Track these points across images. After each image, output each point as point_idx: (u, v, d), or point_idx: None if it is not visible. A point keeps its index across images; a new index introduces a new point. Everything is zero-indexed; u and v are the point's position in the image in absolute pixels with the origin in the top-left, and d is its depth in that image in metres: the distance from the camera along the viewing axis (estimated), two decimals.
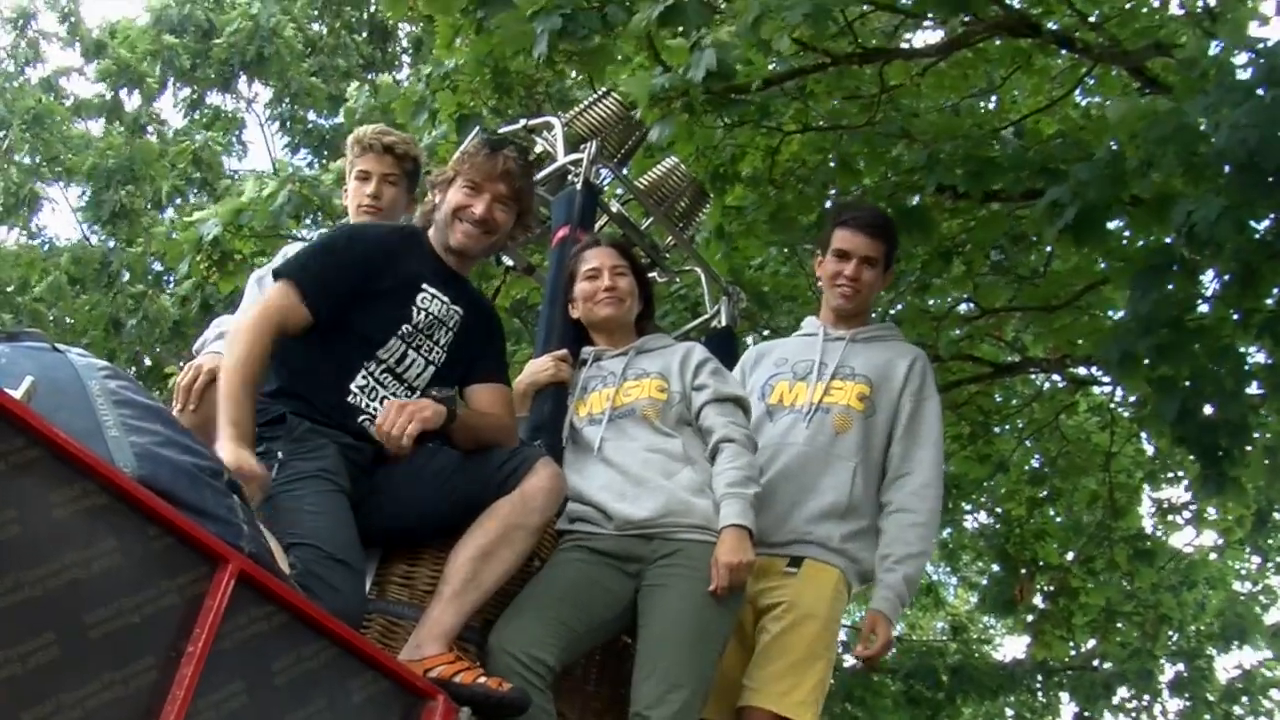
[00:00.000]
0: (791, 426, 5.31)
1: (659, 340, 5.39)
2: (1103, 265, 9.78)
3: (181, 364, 5.37)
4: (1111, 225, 7.80)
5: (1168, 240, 7.47)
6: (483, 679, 4.04)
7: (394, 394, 4.59)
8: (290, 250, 5.51)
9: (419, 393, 4.61)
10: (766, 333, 11.91)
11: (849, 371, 5.37)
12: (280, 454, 4.25)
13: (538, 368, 5.25)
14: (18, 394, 2.72)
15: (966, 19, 8.55)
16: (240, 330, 4.41)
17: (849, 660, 14.41)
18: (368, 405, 4.54)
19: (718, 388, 5.09)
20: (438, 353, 4.70)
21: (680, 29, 7.77)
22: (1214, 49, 7.48)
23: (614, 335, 5.33)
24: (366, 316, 4.59)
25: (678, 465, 4.90)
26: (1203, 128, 6.52)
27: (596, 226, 6.17)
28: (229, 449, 3.97)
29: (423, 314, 4.67)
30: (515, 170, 4.86)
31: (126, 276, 18.63)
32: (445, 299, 4.74)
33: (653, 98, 7.84)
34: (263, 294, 5.14)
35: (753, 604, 5.00)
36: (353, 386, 4.54)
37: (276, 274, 4.66)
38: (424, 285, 4.70)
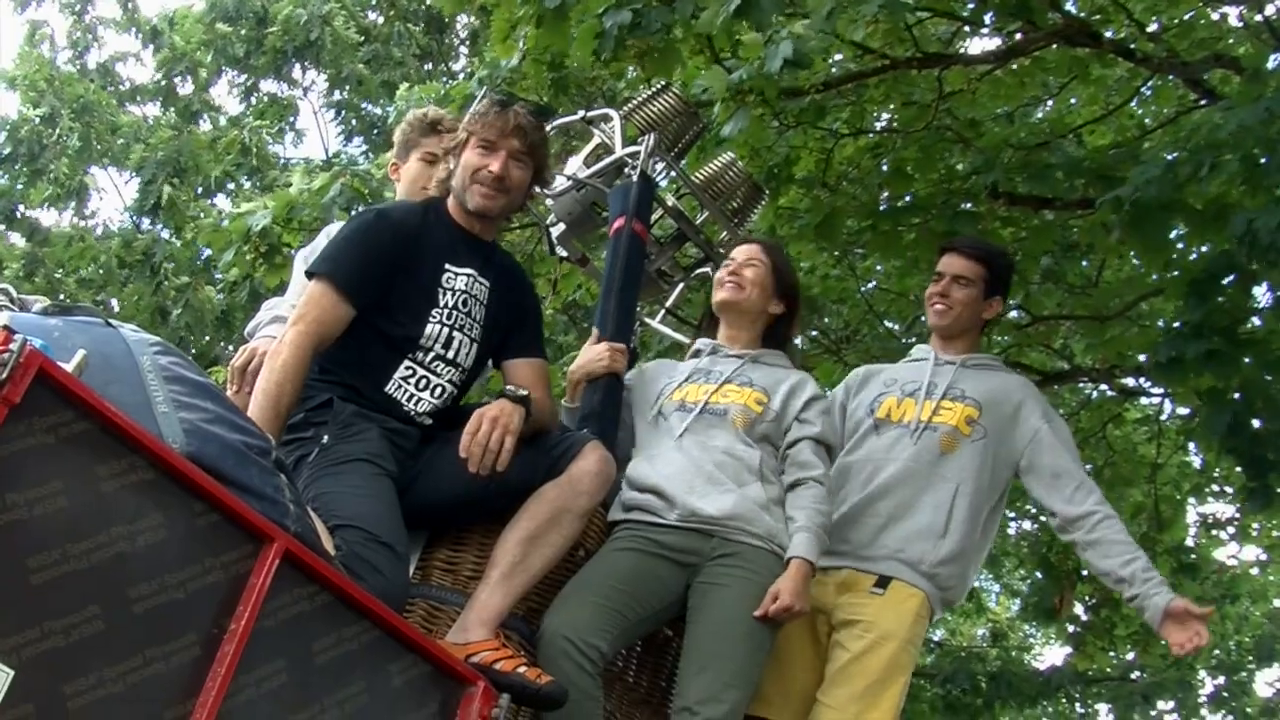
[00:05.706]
0: (896, 442, 5.27)
1: (777, 358, 5.30)
2: (1155, 276, 9.72)
3: (233, 351, 5.31)
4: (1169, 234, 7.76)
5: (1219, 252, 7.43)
6: (522, 668, 4.01)
7: (448, 380, 4.56)
8: (335, 229, 5.32)
9: (461, 374, 4.61)
10: (814, 334, 11.91)
11: (959, 394, 5.33)
12: (326, 438, 4.24)
13: (593, 356, 5.17)
14: (70, 367, 2.72)
15: (1019, 31, 8.50)
16: (283, 350, 4.27)
17: None
18: (413, 396, 4.51)
19: (824, 430, 5.06)
20: (477, 329, 4.65)
21: (754, 24, 7.69)
22: (1273, 62, 7.45)
23: (733, 329, 5.30)
24: (405, 303, 4.52)
25: (750, 477, 4.87)
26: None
27: (652, 220, 6.14)
28: None
29: (449, 294, 4.58)
30: (527, 125, 4.73)
31: (172, 265, 18.67)
32: (471, 271, 4.66)
33: (730, 90, 7.81)
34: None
35: (830, 615, 5.00)
36: (396, 377, 4.49)
37: (310, 273, 4.54)
38: (448, 263, 4.62)
